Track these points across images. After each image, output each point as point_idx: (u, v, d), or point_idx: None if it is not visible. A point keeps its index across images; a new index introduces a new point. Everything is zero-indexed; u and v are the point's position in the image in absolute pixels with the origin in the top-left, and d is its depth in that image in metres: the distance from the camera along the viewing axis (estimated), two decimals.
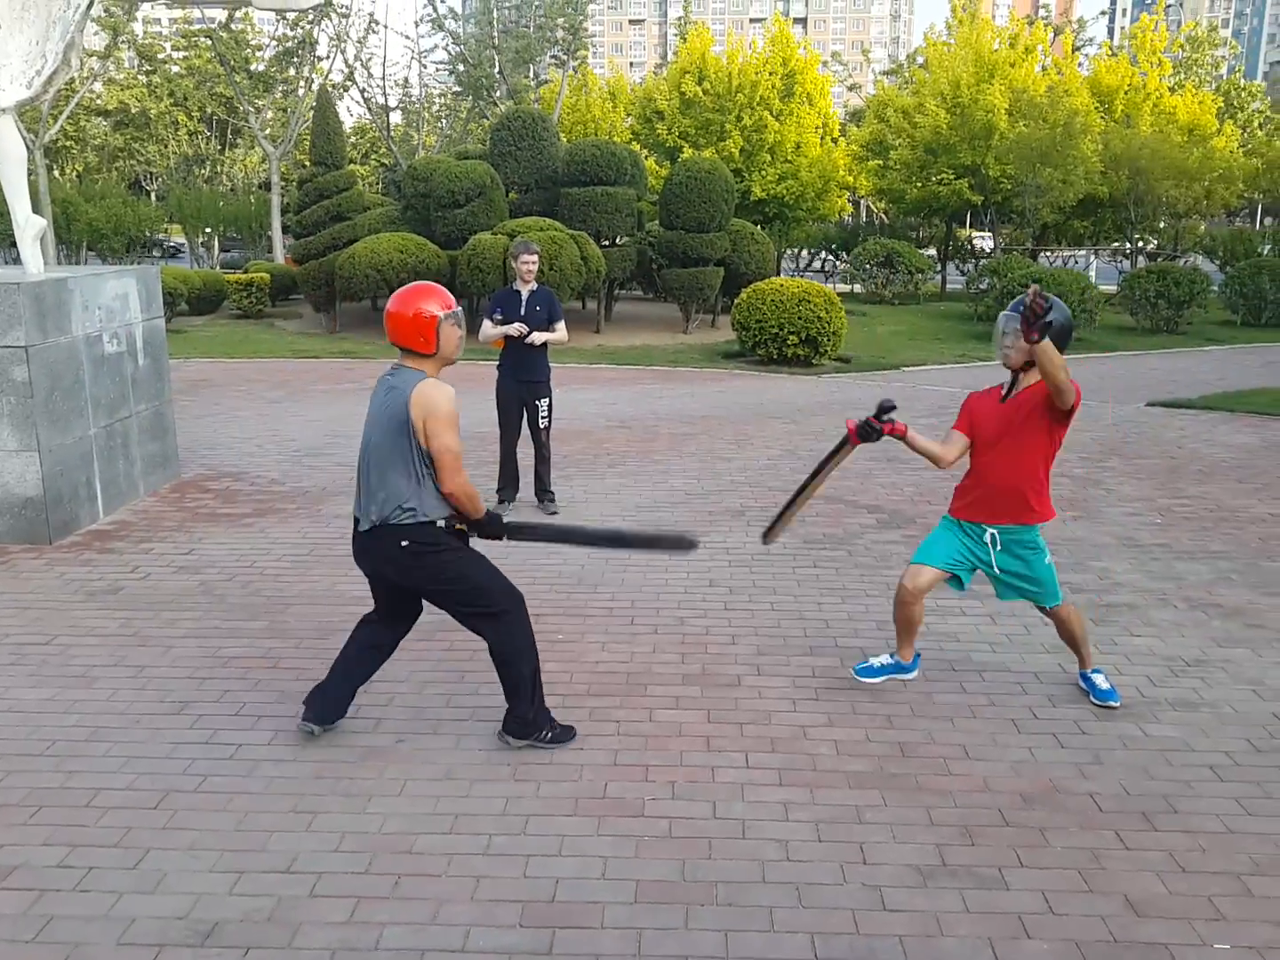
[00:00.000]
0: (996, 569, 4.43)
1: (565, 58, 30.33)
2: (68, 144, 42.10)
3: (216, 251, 35.66)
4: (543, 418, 7.35)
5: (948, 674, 4.80)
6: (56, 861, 3.40)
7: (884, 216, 36.80)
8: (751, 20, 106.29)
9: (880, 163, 28.81)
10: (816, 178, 29.79)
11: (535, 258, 7.13)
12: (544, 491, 7.46)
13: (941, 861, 3.42)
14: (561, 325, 7.22)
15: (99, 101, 41.43)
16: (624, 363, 15.32)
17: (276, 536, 6.80)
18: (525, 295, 7.10)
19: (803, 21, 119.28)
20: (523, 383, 7.28)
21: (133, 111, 42.08)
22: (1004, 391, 4.40)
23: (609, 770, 3.98)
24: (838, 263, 31.06)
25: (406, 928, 3.10)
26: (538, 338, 7.03)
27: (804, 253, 32.69)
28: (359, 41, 29.62)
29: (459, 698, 4.56)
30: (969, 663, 4.92)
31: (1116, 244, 30.28)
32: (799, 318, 14.11)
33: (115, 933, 3.07)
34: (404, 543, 3.84)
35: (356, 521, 3.99)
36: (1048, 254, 28.80)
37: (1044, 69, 27.76)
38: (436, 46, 32.09)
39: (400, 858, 3.43)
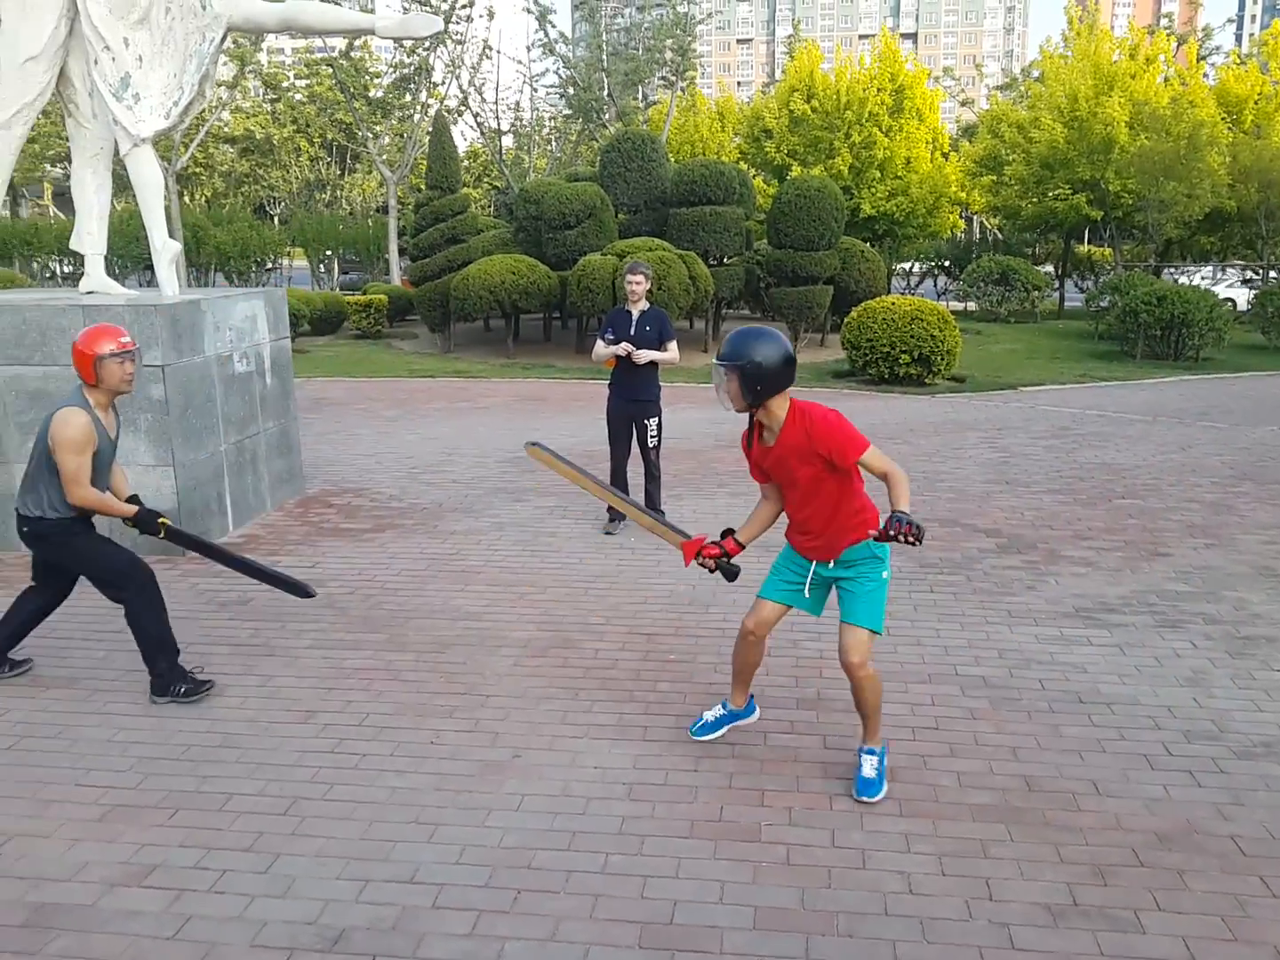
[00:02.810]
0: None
1: (674, 79, 30.54)
2: (197, 171, 44.09)
3: (336, 274, 36.84)
4: (651, 437, 7.38)
5: (1074, 706, 4.64)
6: (193, 863, 3.52)
7: (997, 233, 36.05)
8: (861, 36, 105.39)
9: (994, 178, 28.25)
10: (927, 194, 29.38)
11: (643, 278, 7.18)
12: (655, 509, 7.48)
13: (1073, 901, 3.31)
14: (673, 345, 7.25)
15: (226, 129, 43.31)
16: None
17: (395, 551, 6.97)
18: (636, 315, 7.15)
19: (913, 37, 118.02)
20: (632, 402, 7.33)
21: (258, 138, 43.91)
22: (755, 432, 3.91)
23: (725, 793, 3.95)
24: (949, 280, 30.52)
25: (527, 943, 3.12)
26: (643, 355, 7.06)
27: (914, 269, 32.18)
28: (473, 67, 30.34)
29: (574, 714, 4.59)
30: (1097, 695, 4.75)
31: (1245, 260, 29.07)
32: (911, 336, 13.90)
33: (248, 934, 3.17)
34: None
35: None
36: (1172, 269, 27.78)
37: (1166, 80, 26.86)
38: (547, 71, 32.60)
39: (519, 873, 3.46)
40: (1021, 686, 4.83)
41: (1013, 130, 26.76)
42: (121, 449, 6.67)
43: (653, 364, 7.24)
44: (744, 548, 4.07)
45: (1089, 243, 34.09)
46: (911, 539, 3.40)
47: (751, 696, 4.37)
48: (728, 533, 4.09)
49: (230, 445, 7.33)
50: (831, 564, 3.90)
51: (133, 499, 4.84)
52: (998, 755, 4.21)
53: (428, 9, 27.19)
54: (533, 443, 4.56)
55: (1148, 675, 4.96)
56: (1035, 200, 26.11)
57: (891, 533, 3.43)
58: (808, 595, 4.01)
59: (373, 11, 32.11)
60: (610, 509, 7.49)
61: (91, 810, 3.85)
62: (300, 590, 5.09)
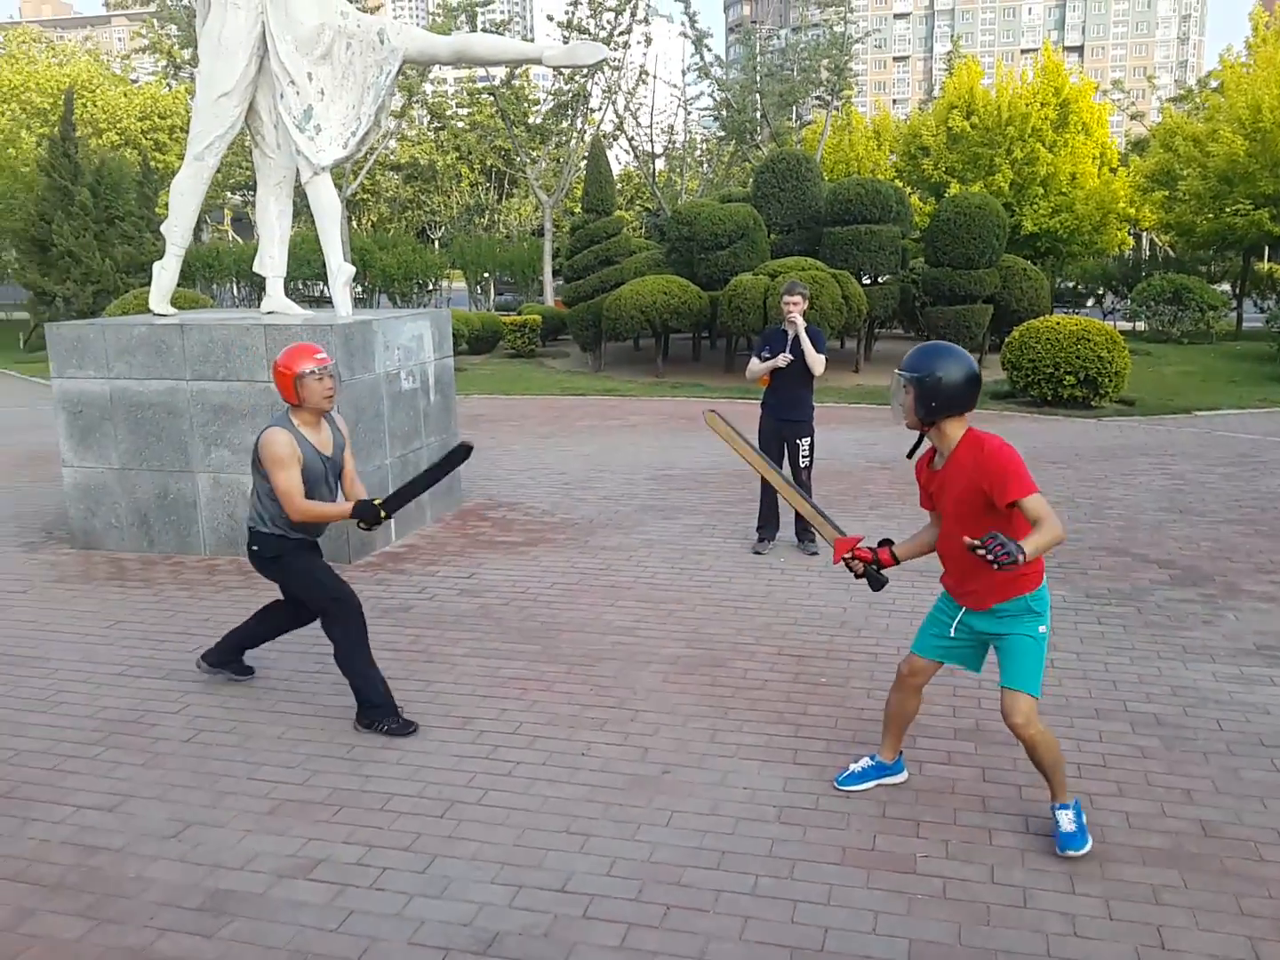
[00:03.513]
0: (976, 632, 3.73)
1: (829, 98, 30.35)
2: (364, 197, 46.13)
3: (493, 295, 37.93)
4: (804, 456, 7.32)
5: (1256, 749, 4.36)
6: (356, 859, 3.66)
7: (1169, 250, 34.41)
8: (1023, 51, 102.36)
9: (1167, 194, 26.99)
10: (1094, 210, 28.31)
11: (800, 298, 7.13)
12: (804, 531, 7.41)
13: (1255, 956, 3.10)
14: (821, 355, 7.12)
15: (393, 157, 45.19)
16: (884, 402, 15.01)
17: (548, 565, 7.10)
18: (792, 335, 7.11)
19: (1079, 50, 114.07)
20: (785, 421, 7.29)
21: (421, 165, 45.66)
22: (928, 455, 3.76)
23: (878, 822, 3.87)
24: (1116, 300, 29.27)
25: None
26: (805, 345, 6.97)
27: (1078, 288, 30.97)
28: (629, 93, 30.83)
29: (723, 733, 4.58)
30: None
31: None
32: (1076, 357, 13.36)
33: (406, 932, 3.27)
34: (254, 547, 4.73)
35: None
36: None
37: None
38: (702, 94, 32.80)
39: (669, 889, 3.47)
40: (1197, 726, 4.57)
41: (1188, 144, 25.52)
42: None
43: (807, 385, 7.19)
44: (898, 562, 3.90)
45: (1270, 260, 32.15)
46: (993, 557, 3.11)
47: (901, 754, 4.16)
48: (885, 543, 3.95)
49: (395, 459, 7.62)
50: (983, 614, 3.66)
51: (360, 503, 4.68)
52: (1170, 797, 3.99)
53: (586, 37, 27.81)
54: (713, 410, 4.54)
55: None
56: (1211, 216, 24.79)
57: (979, 547, 3.15)
58: (953, 636, 3.77)
59: (531, 40, 33.00)
60: (760, 528, 7.46)
61: (263, 804, 4.04)
62: (461, 452, 4.75)
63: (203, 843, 3.77)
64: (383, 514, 4.55)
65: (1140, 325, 23.86)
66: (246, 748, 4.50)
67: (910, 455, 3.89)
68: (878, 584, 3.95)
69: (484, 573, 6.94)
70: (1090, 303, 30.48)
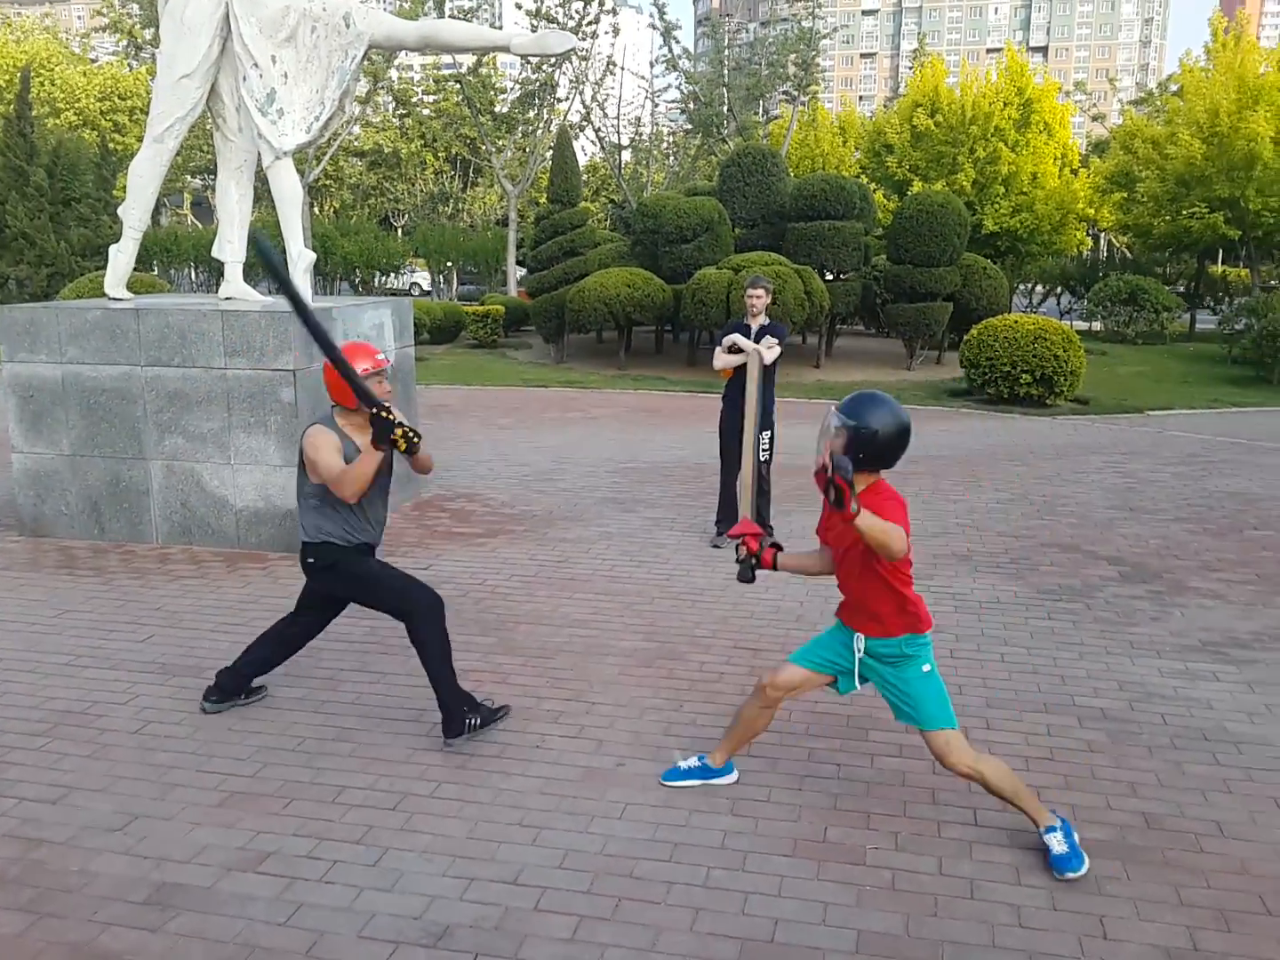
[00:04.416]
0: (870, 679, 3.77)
1: (796, 93, 30.42)
2: (327, 183, 45.63)
3: (455, 284, 37.71)
4: (764, 450, 7.35)
5: (1199, 743, 4.45)
6: (305, 852, 3.64)
7: (1126, 251, 34.89)
8: (989, 50, 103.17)
9: (1125, 195, 27.35)
10: (1053, 210, 28.65)
11: (763, 292, 7.16)
12: (763, 525, 7.44)
13: (1193, 946, 3.17)
14: (774, 345, 7.07)
15: (356, 143, 44.75)
16: (844, 398, 15.09)
17: (506, 557, 7.08)
18: (755, 328, 7.14)
19: (1043, 50, 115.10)
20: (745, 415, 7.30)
21: (385, 152, 45.25)
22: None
23: (829, 814, 3.90)
24: (1074, 299, 29.66)
25: (626, 952, 3.13)
26: (740, 341, 6.97)
27: (1037, 288, 31.35)
28: (597, 83, 30.73)
29: (677, 726, 4.59)
30: (1224, 733, 4.54)
31: None
32: (1033, 355, 13.53)
33: (356, 925, 3.26)
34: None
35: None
36: None
37: None
38: (670, 86, 32.74)
39: (621, 880, 3.47)
40: (1143, 721, 4.65)
41: (1147, 146, 25.88)
42: (249, 449, 6.98)
43: (768, 379, 7.21)
44: (775, 568, 3.86)
45: (1224, 263, 32.72)
46: (830, 472, 3.14)
47: (730, 761, 4.14)
48: (776, 547, 3.89)
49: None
50: (875, 650, 3.68)
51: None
52: (1115, 790, 4.06)
53: (554, 26, 27.68)
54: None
55: (1279, 715, 4.72)
56: (1168, 218, 25.18)
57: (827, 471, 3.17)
58: (843, 655, 3.76)
59: (501, 28, 32.80)
60: (718, 522, 7.49)
61: (212, 796, 4.00)
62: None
63: (149, 835, 3.73)
64: (399, 429, 4.06)
65: (1097, 325, 24.19)
66: (196, 739, 4.44)
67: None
68: (746, 578, 3.91)
69: (441, 564, 6.90)
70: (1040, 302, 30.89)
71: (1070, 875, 3.50)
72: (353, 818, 3.85)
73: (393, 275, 34.13)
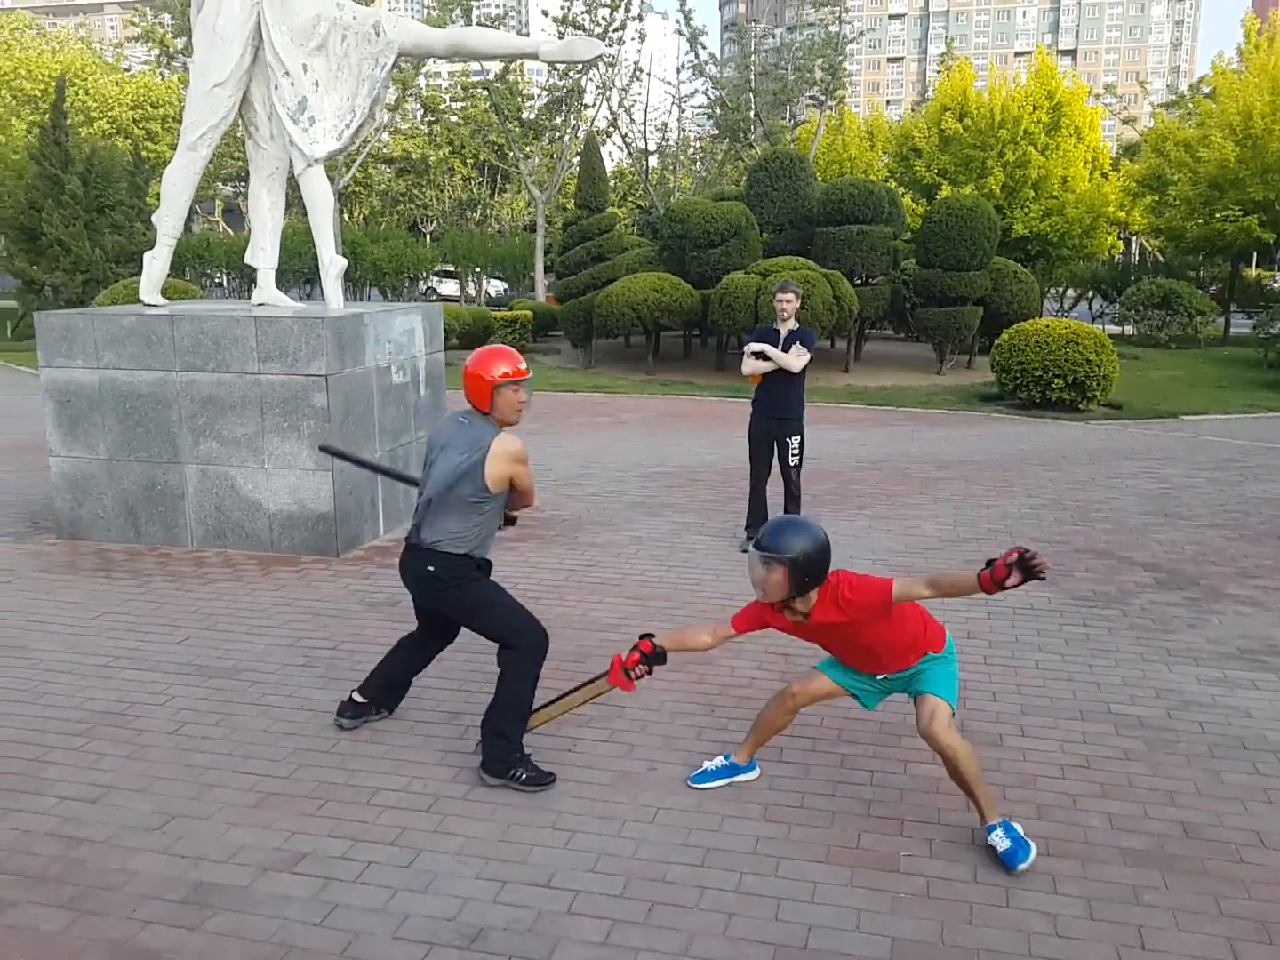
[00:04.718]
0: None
1: (823, 98, 30.37)
2: (357, 190, 45.93)
3: (484, 289, 37.86)
4: (793, 455, 7.33)
5: (1238, 752, 4.39)
6: (340, 853, 3.66)
7: (1158, 255, 34.56)
8: (1017, 54, 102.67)
9: (1157, 198, 27.11)
10: (1084, 214, 28.43)
11: (793, 296, 7.15)
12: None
13: (1234, 957, 3.13)
14: (803, 354, 7.08)
15: (385, 150, 45.03)
16: (874, 403, 15.06)
17: (536, 561, 7.10)
18: (784, 333, 7.13)
19: (1072, 53, 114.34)
20: (774, 419, 7.30)
21: (414, 159, 45.51)
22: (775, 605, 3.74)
23: (862, 820, 3.88)
24: (1106, 303, 29.44)
25: (660, 956, 3.13)
26: (769, 350, 6.99)
27: (1069, 292, 31.10)
28: (624, 89, 30.80)
29: (709, 730, 4.59)
30: (1263, 742, 4.48)
31: None
32: (1065, 360, 13.42)
33: (390, 926, 3.27)
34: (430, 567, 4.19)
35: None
36: None
37: None
38: (696, 91, 32.79)
39: (654, 885, 3.47)
40: (1180, 729, 4.60)
41: (1179, 149, 25.63)
42: (282, 453, 7.05)
43: (797, 384, 7.20)
44: (659, 650, 3.93)
45: (1258, 266, 32.33)
46: (1037, 565, 3.19)
47: (754, 758, 4.22)
48: (646, 636, 3.99)
49: (385, 452, 7.60)
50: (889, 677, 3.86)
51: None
52: (1153, 799, 4.02)
53: (581, 32, 27.78)
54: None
55: None
56: (1201, 221, 24.92)
57: (1027, 560, 3.19)
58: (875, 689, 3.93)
59: (526, 35, 32.90)
60: (749, 526, 7.48)
61: (247, 797, 4.03)
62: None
63: (187, 835, 3.76)
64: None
65: (1129, 329, 23.97)
66: (232, 740, 4.49)
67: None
68: (657, 661, 3.94)
69: None
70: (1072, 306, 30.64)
71: (1022, 867, 3.54)
72: (386, 819, 3.88)
73: (420, 281, 34.31)
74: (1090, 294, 30.43)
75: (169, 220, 7.85)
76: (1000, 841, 3.61)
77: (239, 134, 8.28)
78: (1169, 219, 26.29)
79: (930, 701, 3.65)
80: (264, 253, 7.99)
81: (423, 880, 3.50)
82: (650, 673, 3.98)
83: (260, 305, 7.87)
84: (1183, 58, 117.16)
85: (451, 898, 3.41)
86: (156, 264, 7.97)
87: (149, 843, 3.71)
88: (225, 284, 34.00)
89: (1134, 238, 37.78)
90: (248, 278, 26.96)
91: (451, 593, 4.22)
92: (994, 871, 3.56)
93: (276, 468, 7.09)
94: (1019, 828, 3.69)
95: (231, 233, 43.23)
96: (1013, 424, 13.17)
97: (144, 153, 29.51)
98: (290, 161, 7.79)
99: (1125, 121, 38.92)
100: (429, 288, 38.25)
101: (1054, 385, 13.55)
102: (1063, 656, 5.42)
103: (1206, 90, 31.57)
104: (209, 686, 5.04)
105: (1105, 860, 3.63)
